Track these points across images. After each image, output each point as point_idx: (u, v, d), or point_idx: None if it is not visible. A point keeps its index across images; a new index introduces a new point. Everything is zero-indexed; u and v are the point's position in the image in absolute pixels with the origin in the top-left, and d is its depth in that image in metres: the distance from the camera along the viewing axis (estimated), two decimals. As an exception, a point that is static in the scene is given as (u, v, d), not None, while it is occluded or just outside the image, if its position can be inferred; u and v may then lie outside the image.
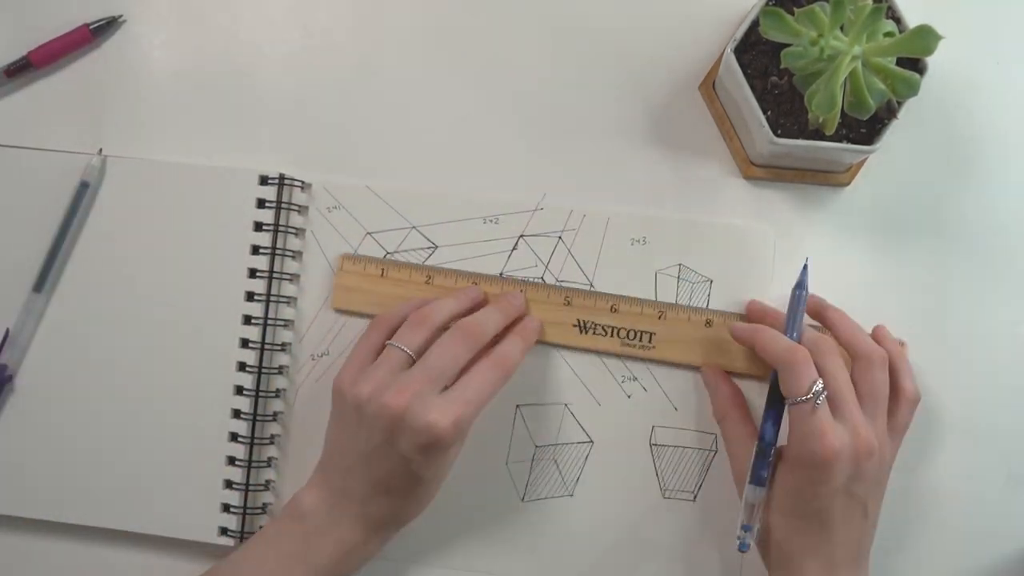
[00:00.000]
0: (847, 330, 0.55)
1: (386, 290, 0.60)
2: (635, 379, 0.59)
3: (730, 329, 0.56)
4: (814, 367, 0.51)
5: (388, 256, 0.61)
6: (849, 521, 0.51)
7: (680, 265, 0.60)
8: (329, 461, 0.55)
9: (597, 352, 0.59)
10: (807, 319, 0.56)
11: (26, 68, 0.61)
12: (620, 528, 0.59)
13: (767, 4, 0.52)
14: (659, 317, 0.58)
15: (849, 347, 0.54)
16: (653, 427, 0.59)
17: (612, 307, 0.59)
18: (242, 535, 0.59)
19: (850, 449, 0.49)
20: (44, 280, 0.60)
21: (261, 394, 0.60)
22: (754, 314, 0.58)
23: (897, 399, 0.54)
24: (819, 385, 0.50)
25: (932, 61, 0.52)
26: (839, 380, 0.51)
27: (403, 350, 0.53)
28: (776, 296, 0.59)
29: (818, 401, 0.49)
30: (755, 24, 0.53)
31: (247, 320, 0.60)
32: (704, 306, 0.59)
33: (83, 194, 0.60)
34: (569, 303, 0.59)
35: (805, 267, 0.55)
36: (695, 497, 0.59)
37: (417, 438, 0.50)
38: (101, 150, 0.61)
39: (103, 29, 0.62)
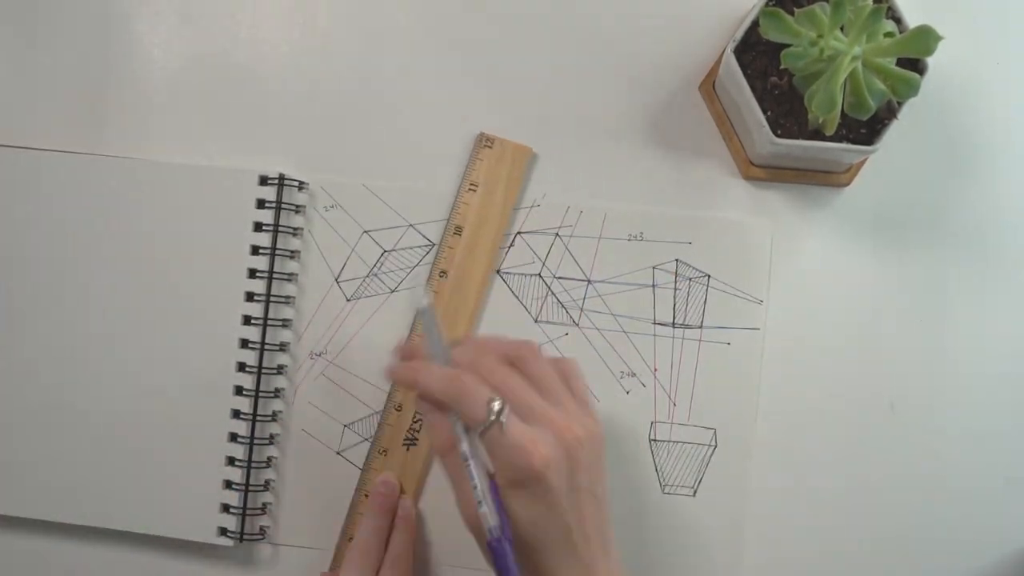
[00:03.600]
0: (482, 342, 0.52)
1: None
2: (634, 375, 0.59)
3: (386, 372, 0.51)
4: (483, 387, 0.46)
5: (385, 254, 0.60)
6: (584, 515, 0.47)
7: (677, 260, 0.60)
8: None
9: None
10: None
11: None
12: (620, 524, 0.59)
13: (767, 4, 0.52)
14: None
15: (496, 355, 0.49)
16: (652, 423, 0.59)
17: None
18: (241, 535, 0.59)
19: (558, 449, 0.45)
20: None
21: (261, 394, 0.60)
22: (405, 354, 0.52)
23: (562, 374, 0.50)
24: (496, 403, 0.45)
25: (932, 61, 0.51)
26: (512, 387, 0.47)
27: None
28: (775, 294, 0.59)
29: (502, 418, 0.45)
30: (755, 24, 0.52)
31: (247, 320, 0.60)
32: (702, 301, 0.59)
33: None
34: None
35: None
36: (695, 492, 0.59)
37: None
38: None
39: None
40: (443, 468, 0.48)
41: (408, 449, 0.60)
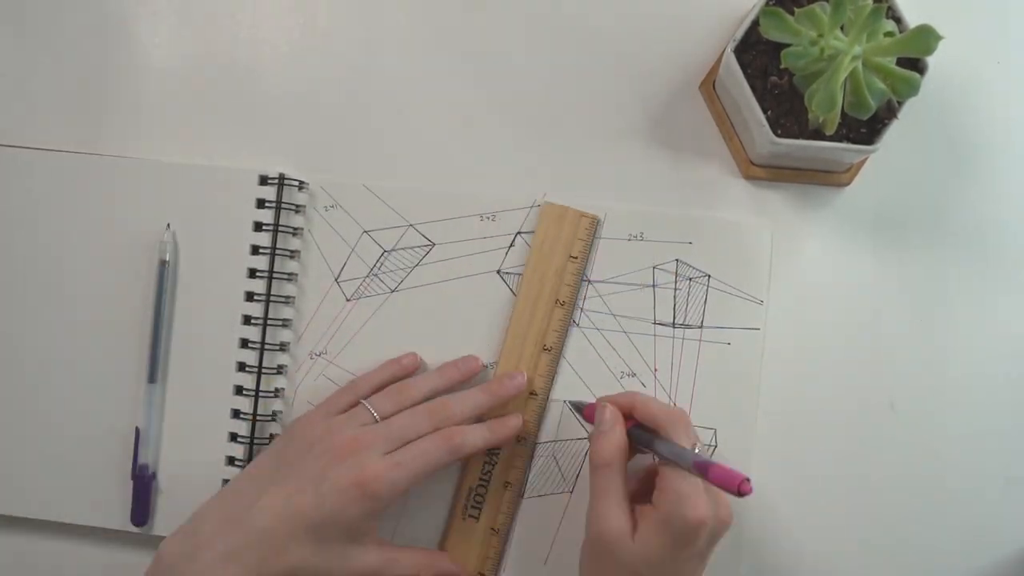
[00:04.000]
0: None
1: (556, 260, 0.59)
2: (634, 375, 0.59)
3: (603, 401, 0.55)
4: (691, 431, 0.52)
5: (385, 254, 0.60)
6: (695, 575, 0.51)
7: (677, 260, 0.60)
8: (220, 495, 0.54)
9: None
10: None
11: None
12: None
13: (767, 4, 0.52)
14: None
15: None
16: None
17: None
18: (241, 535, 0.59)
19: (713, 519, 0.49)
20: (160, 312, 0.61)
21: (261, 394, 0.60)
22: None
23: None
24: (699, 445, 0.51)
25: (932, 61, 0.52)
26: (701, 450, 0.52)
27: (371, 411, 0.54)
28: (775, 295, 0.59)
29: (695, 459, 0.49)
30: (755, 24, 0.53)
31: (246, 320, 0.60)
32: (703, 302, 0.59)
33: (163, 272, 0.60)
34: None
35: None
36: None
37: (341, 479, 0.51)
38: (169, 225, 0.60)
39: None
40: (592, 479, 0.52)
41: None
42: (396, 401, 0.55)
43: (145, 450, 0.60)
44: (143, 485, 0.59)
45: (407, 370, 0.59)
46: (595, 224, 0.59)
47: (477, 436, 0.55)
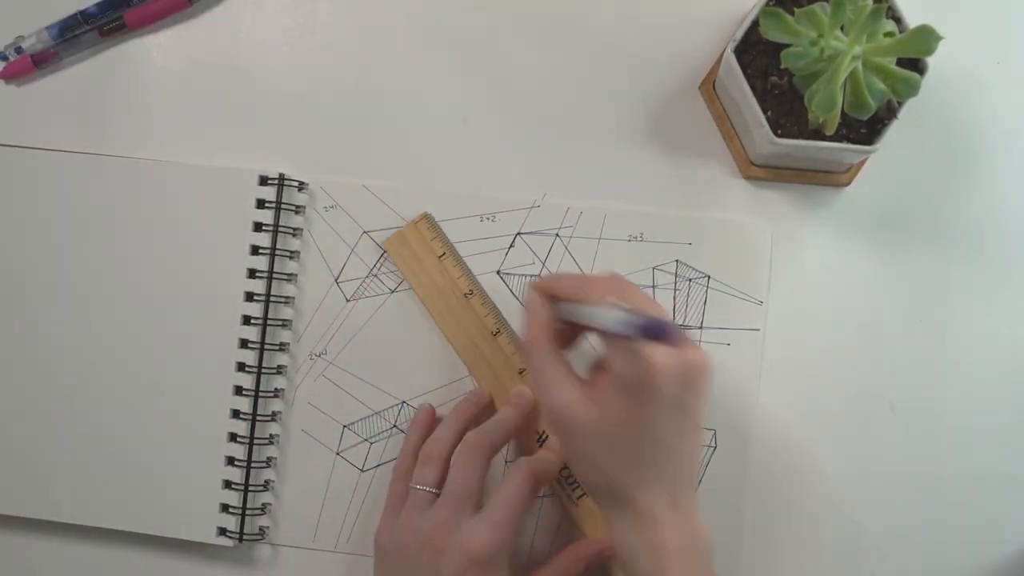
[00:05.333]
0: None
1: (432, 269, 0.60)
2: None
3: (530, 286, 0.52)
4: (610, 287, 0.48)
5: (385, 255, 0.60)
6: (681, 438, 0.47)
7: (677, 261, 0.60)
8: None
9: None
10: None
11: (120, 28, 0.61)
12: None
13: (767, 4, 0.52)
14: None
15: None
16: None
17: None
18: (241, 535, 0.59)
19: (677, 361, 0.45)
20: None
21: (260, 394, 0.60)
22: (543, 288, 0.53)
23: None
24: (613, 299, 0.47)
25: (932, 61, 0.51)
26: (650, 308, 0.48)
27: (424, 490, 0.54)
28: (775, 295, 0.59)
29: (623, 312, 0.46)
30: (755, 24, 0.52)
31: (246, 320, 0.60)
32: (703, 302, 0.59)
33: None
34: None
35: None
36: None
37: (456, 563, 0.50)
38: None
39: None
40: (528, 365, 0.51)
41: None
42: (436, 467, 0.55)
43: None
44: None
45: (428, 423, 0.59)
46: (429, 217, 0.60)
47: (539, 452, 0.56)
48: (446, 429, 0.56)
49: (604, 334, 0.47)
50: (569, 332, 0.52)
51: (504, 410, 0.57)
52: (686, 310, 0.59)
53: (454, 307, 0.59)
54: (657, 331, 0.43)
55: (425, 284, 0.60)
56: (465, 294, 0.59)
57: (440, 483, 0.54)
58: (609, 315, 0.45)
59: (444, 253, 0.59)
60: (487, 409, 0.59)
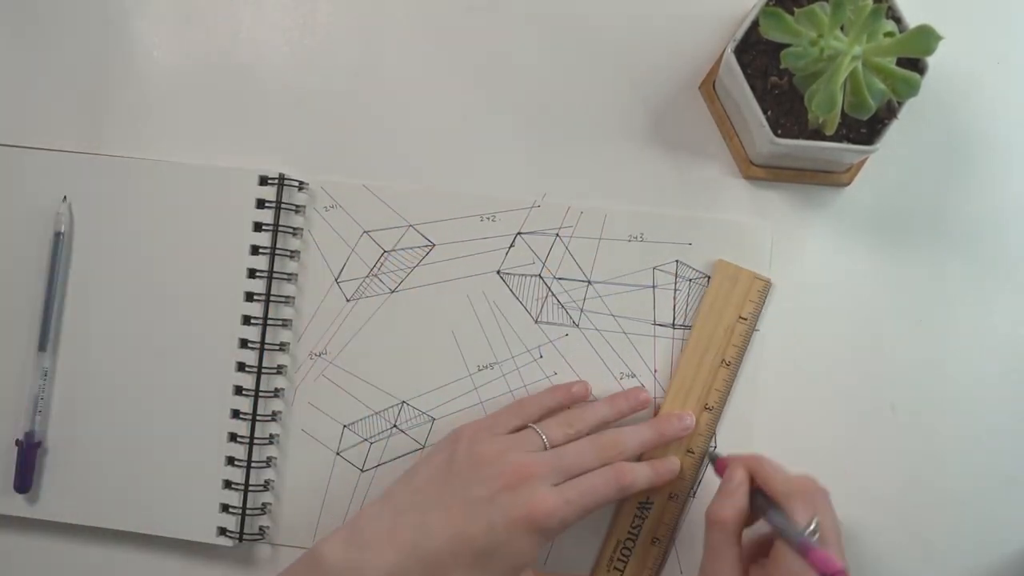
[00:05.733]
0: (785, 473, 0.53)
1: (725, 318, 0.58)
2: (634, 376, 0.59)
3: (736, 461, 0.54)
4: (812, 505, 0.50)
5: (385, 255, 0.61)
6: None
7: (678, 261, 0.60)
8: (383, 505, 0.53)
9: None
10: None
11: None
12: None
13: (767, 4, 0.52)
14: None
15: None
16: (652, 425, 0.59)
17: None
18: (241, 535, 0.59)
19: None
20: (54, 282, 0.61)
21: (260, 394, 0.60)
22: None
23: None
24: (815, 523, 0.49)
25: (932, 61, 0.51)
26: (829, 520, 0.50)
27: (541, 437, 0.54)
28: (775, 295, 0.59)
29: (814, 538, 0.48)
30: (755, 24, 0.52)
31: (246, 320, 0.60)
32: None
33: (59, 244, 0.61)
34: None
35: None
36: (694, 494, 0.59)
37: (514, 511, 0.50)
38: (65, 197, 0.61)
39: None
40: (707, 536, 0.51)
41: None
42: (567, 430, 0.54)
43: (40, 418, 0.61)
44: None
45: (576, 398, 0.58)
46: (768, 288, 0.58)
47: (643, 475, 0.55)
48: (597, 413, 0.56)
49: (783, 545, 0.49)
50: (750, 515, 0.52)
51: (647, 431, 0.56)
52: (686, 310, 0.59)
53: (704, 361, 0.58)
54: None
55: (709, 323, 0.58)
56: (724, 361, 0.58)
57: (557, 445, 0.54)
58: (806, 542, 0.47)
59: (747, 319, 0.58)
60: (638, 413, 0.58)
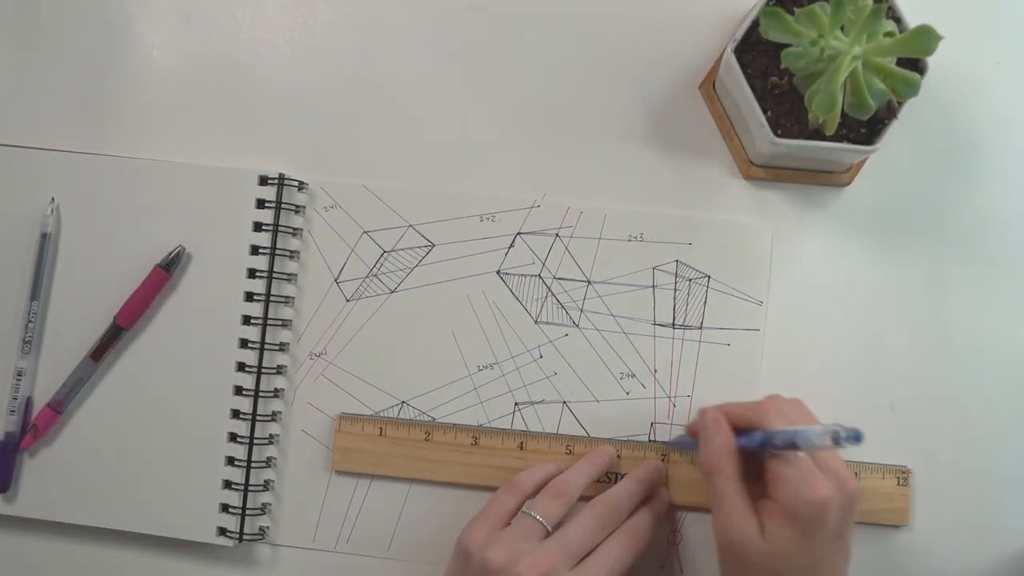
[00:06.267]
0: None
1: (385, 449, 0.59)
2: (633, 376, 0.59)
3: (705, 411, 0.53)
4: (784, 413, 0.51)
5: (385, 255, 0.60)
6: (835, 562, 0.50)
7: (677, 261, 0.60)
8: None
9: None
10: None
11: (117, 335, 0.60)
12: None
13: (767, 4, 0.52)
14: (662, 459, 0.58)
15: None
16: (652, 424, 0.59)
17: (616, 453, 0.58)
18: (241, 535, 0.59)
19: (839, 493, 0.48)
20: (39, 283, 0.61)
21: (260, 394, 0.60)
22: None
23: None
24: (793, 427, 0.49)
25: (932, 61, 0.51)
26: (806, 419, 0.52)
27: (540, 521, 0.53)
28: (775, 295, 0.59)
29: (801, 451, 0.49)
30: (755, 24, 0.52)
31: (246, 320, 0.60)
32: (702, 302, 0.59)
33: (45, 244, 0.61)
34: (571, 452, 0.59)
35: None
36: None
37: None
38: (53, 198, 0.61)
39: (174, 262, 0.59)
40: (710, 488, 0.51)
41: None
42: (562, 506, 0.54)
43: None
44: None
45: (611, 466, 0.58)
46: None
47: (649, 525, 0.55)
48: (582, 475, 0.56)
49: (775, 463, 0.49)
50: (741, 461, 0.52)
51: (630, 485, 0.56)
52: (686, 310, 0.59)
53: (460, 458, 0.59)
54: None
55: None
56: (425, 439, 0.59)
57: (556, 522, 0.53)
58: (813, 431, 0.46)
59: (381, 429, 0.59)
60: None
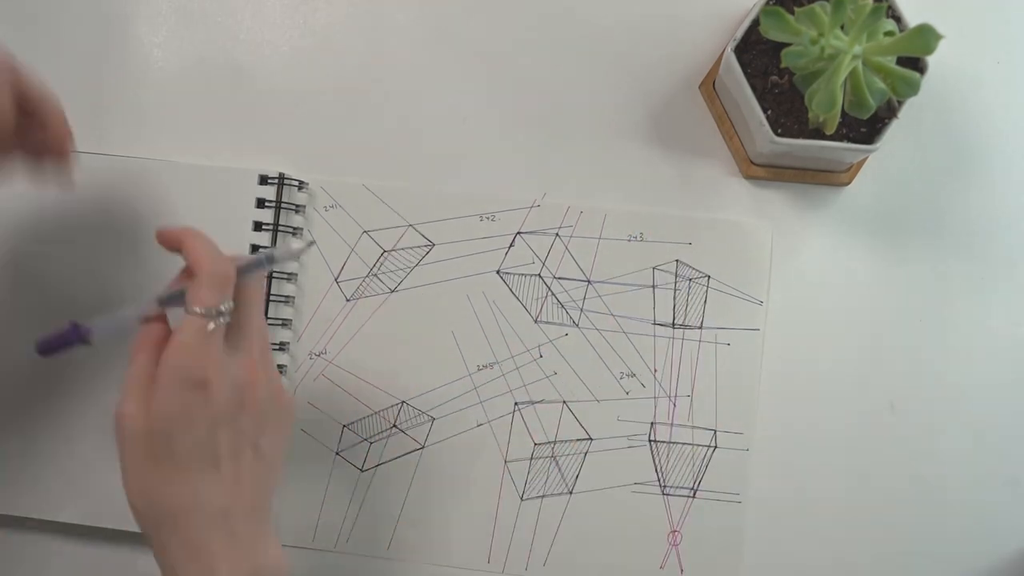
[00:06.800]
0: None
1: None
2: (633, 376, 0.59)
3: (156, 232, 0.48)
4: (233, 292, 0.45)
5: (385, 254, 0.61)
6: (238, 460, 0.44)
7: (677, 261, 0.60)
8: None
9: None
10: None
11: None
12: (620, 524, 0.59)
13: (767, 3, 0.52)
14: None
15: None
16: (652, 424, 0.59)
17: None
18: (241, 535, 0.59)
19: (233, 377, 0.44)
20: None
21: (260, 394, 0.59)
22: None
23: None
24: (226, 306, 0.45)
25: (932, 60, 0.52)
26: (256, 318, 0.47)
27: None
28: (775, 295, 0.59)
29: (220, 321, 0.44)
30: (755, 24, 0.53)
31: (246, 319, 0.60)
32: (702, 302, 0.59)
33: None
34: None
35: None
36: (694, 493, 0.59)
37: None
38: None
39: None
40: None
41: None
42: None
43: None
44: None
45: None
46: None
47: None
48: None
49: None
50: None
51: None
52: (686, 310, 0.59)
53: None
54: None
55: None
56: None
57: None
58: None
59: None
60: None
